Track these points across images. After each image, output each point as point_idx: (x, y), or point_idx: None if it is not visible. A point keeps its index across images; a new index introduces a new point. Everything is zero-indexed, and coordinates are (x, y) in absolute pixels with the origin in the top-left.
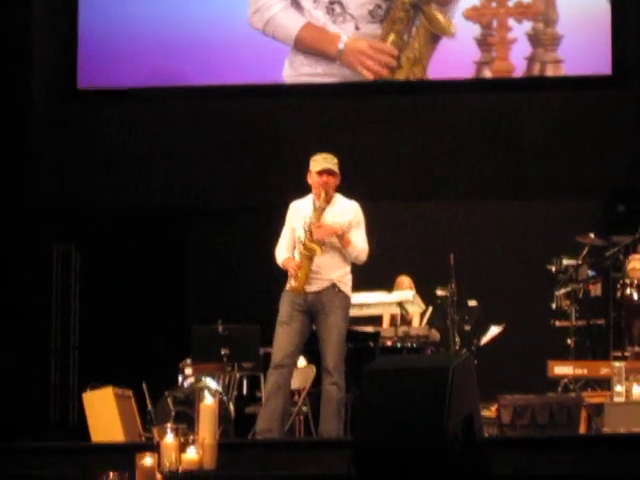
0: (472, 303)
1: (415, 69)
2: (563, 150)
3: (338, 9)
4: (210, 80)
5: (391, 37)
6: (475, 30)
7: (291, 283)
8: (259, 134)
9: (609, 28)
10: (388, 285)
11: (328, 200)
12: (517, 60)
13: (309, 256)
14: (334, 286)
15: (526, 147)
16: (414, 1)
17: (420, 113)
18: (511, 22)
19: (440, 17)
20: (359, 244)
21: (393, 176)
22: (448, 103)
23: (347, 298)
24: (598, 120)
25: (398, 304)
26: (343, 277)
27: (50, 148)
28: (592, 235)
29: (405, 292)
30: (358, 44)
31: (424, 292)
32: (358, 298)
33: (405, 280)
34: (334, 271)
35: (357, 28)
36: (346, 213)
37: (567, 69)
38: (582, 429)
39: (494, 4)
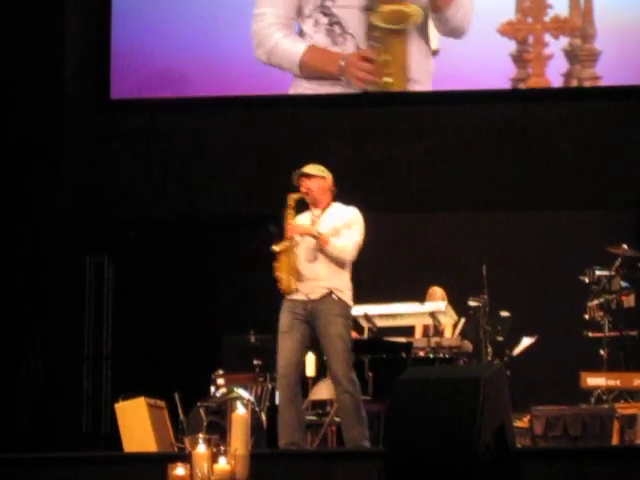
0: (504, 314)
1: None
2: (596, 160)
3: (338, 29)
4: (243, 91)
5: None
6: (510, 46)
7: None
8: (291, 144)
9: None
10: (420, 296)
11: (314, 203)
12: (554, 77)
13: (283, 253)
14: (332, 294)
15: (559, 157)
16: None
17: (451, 123)
18: (547, 38)
19: (395, 7)
20: (338, 243)
21: (427, 188)
22: (482, 113)
23: (347, 307)
24: (631, 130)
25: (430, 315)
26: (341, 285)
27: (83, 158)
28: (625, 246)
29: (437, 303)
30: (351, 57)
31: (456, 303)
32: (390, 309)
33: (438, 291)
34: (332, 279)
35: (358, 47)
36: (342, 218)
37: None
38: (615, 440)
39: (530, 19)
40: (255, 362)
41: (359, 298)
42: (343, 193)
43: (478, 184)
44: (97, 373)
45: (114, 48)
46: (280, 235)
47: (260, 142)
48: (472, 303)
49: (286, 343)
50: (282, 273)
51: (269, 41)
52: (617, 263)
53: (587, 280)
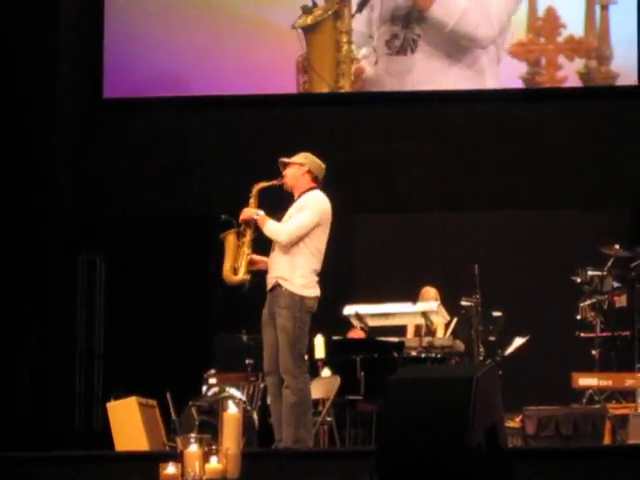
0: (497, 314)
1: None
2: (587, 161)
3: None
4: (241, 90)
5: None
6: (521, 68)
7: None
8: (287, 143)
9: None
10: (413, 296)
11: (291, 191)
12: None
13: (227, 241)
14: (280, 285)
15: (551, 158)
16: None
17: (444, 123)
18: (561, 59)
19: None
20: (272, 225)
21: (418, 188)
22: (472, 113)
23: (293, 295)
24: (623, 131)
25: (422, 314)
26: (289, 274)
27: (76, 158)
28: (617, 246)
29: (430, 303)
30: None
31: (449, 303)
32: (382, 308)
33: (430, 291)
34: (280, 268)
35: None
36: (300, 202)
37: None
38: (606, 440)
39: (542, 39)
40: (247, 361)
41: (351, 297)
42: (335, 193)
43: (470, 184)
44: (89, 372)
45: (107, 46)
46: (232, 222)
47: (260, 142)
48: (464, 303)
49: (264, 340)
50: (227, 261)
51: None
52: (609, 263)
53: (579, 280)
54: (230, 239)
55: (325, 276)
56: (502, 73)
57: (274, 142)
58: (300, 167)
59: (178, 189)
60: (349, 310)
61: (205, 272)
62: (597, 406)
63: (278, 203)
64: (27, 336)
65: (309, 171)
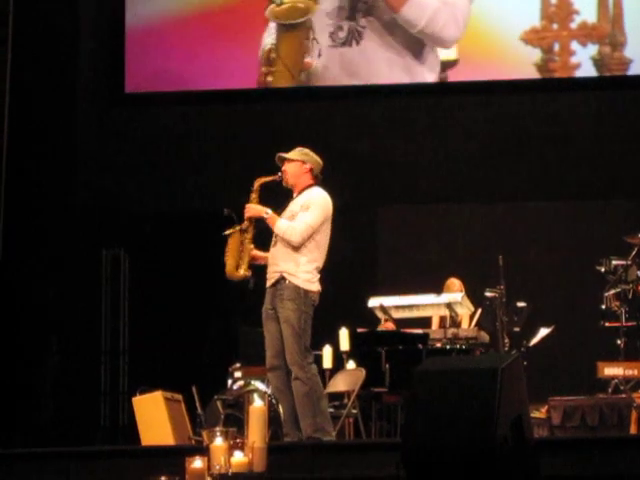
0: (521, 304)
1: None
2: (612, 150)
3: None
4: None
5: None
6: (535, 54)
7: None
8: (299, 138)
9: None
10: (438, 287)
11: (291, 187)
12: None
13: (232, 237)
14: (284, 278)
15: (575, 148)
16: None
17: (465, 114)
18: (574, 45)
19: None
20: (284, 224)
21: (442, 179)
22: (496, 105)
23: (297, 289)
24: None
25: (447, 306)
26: (294, 268)
27: (98, 152)
28: None
29: (454, 294)
30: None
31: (473, 294)
32: (407, 300)
33: (455, 282)
34: (284, 263)
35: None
36: (303, 201)
37: None
38: (633, 430)
39: (555, 26)
40: None
41: (375, 290)
42: (358, 185)
43: (493, 175)
44: (114, 367)
45: (128, 41)
46: (238, 219)
47: (277, 138)
48: (489, 294)
49: (267, 335)
50: (227, 257)
51: None
52: (633, 253)
53: (603, 270)
54: (235, 236)
55: (348, 268)
56: (516, 59)
57: (295, 137)
58: (302, 165)
59: (202, 184)
60: (373, 302)
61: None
62: (623, 396)
63: (271, 197)
64: (53, 332)
65: (310, 169)
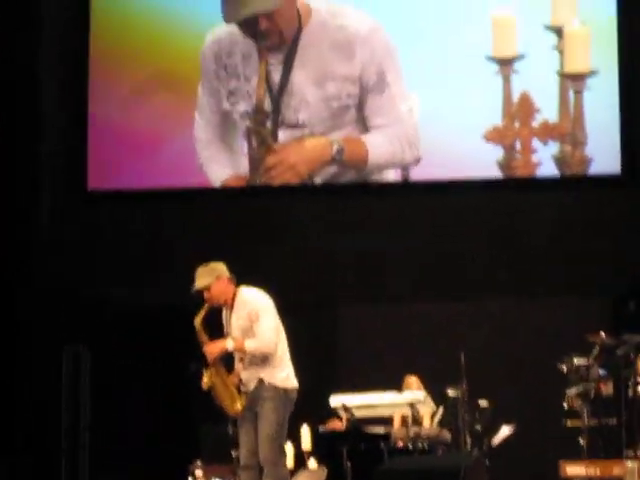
0: (483, 403)
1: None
2: (573, 248)
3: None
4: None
5: None
6: (497, 153)
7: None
8: (262, 234)
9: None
10: (398, 384)
11: (222, 304)
12: None
13: (213, 382)
14: (262, 381)
15: (535, 245)
16: None
17: (425, 213)
18: (536, 143)
19: None
20: (252, 344)
21: (402, 277)
22: (453, 203)
23: (277, 389)
24: (607, 218)
25: (409, 404)
26: (272, 372)
27: (59, 249)
28: (602, 334)
29: (416, 392)
30: None
31: (435, 392)
32: (369, 399)
33: (414, 380)
34: (262, 369)
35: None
36: (246, 314)
37: None
38: None
39: (517, 124)
40: (233, 453)
41: (336, 387)
42: (319, 284)
43: (454, 273)
44: (74, 463)
45: (91, 138)
46: (201, 367)
47: (242, 232)
48: (450, 392)
49: (242, 434)
50: (222, 401)
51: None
52: (595, 351)
53: (565, 368)
54: (214, 381)
55: (310, 366)
56: (478, 157)
57: (259, 233)
58: (219, 280)
59: (164, 277)
60: (336, 401)
61: (188, 362)
62: None
63: None
64: (12, 429)
65: (226, 278)
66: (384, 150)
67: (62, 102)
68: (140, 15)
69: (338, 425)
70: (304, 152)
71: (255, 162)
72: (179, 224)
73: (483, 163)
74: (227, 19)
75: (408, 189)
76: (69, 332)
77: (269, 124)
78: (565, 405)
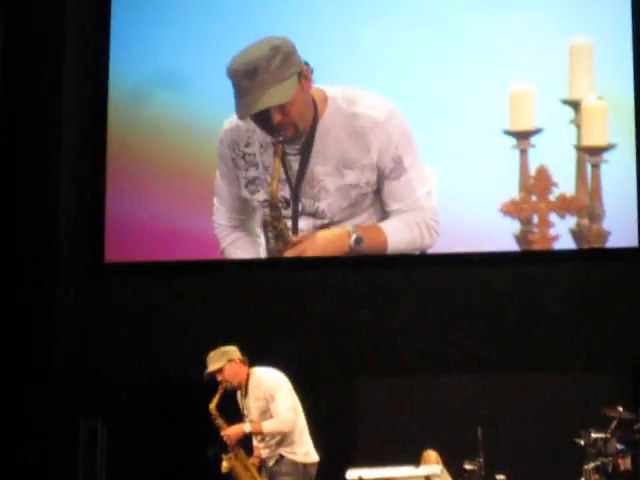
0: (500, 477)
1: None
2: (589, 322)
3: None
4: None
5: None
6: (514, 226)
7: None
8: (280, 308)
9: None
10: (415, 459)
11: (236, 387)
12: None
13: (235, 466)
14: (282, 456)
15: (552, 318)
16: None
17: (442, 286)
18: (553, 217)
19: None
20: (270, 426)
21: (420, 350)
22: (470, 276)
23: (296, 464)
24: (625, 291)
25: (426, 478)
26: (291, 448)
27: (76, 322)
28: (620, 408)
29: (433, 466)
30: None
31: (452, 466)
32: (385, 472)
33: (431, 454)
34: (281, 446)
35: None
36: (261, 396)
37: None
38: None
39: (534, 198)
40: None
41: (353, 461)
42: (334, 357)
43: (473, 347)
44: None
45: (108, 210)
46: (220, 451)
47: (258, 304)
48: (468, 467)
49: None
50: None
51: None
52: (613, 425)
53: (583, 443)
54: (235, 465)
55: (327, 440)
56: (495, 231)
57: (276, 305)
58: (231, 363)
59: (179, 354)
60: (352, 475)
61: (206, 438)
62: None
63: None
64: None
65: (239, 360)
66: (403, 236)
67: (79, 183)
68: (156, 109)
69: None
70: (322, 245)
71: (273, 255)
72: (197, 297)
73: (500, 236)
74: (240, 116)
75: (425, 261)
76: (85, 408)
77: (289, 212)
78: (583, 479)
